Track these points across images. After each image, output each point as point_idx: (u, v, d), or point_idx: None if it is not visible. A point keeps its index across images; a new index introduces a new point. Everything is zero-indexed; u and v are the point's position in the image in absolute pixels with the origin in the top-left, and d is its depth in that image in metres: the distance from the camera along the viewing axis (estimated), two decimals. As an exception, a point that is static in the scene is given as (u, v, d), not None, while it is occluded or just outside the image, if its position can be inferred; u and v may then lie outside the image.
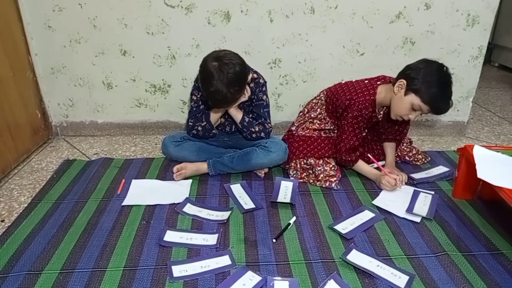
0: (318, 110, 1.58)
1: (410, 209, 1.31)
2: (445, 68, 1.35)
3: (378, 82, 1.48)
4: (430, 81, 1.31)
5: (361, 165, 1.51)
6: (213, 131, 1.53)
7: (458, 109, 1.94)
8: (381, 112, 1.52)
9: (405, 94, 1.35)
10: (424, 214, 1.28)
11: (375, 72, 1.81)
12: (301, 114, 1.64)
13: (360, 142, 1.50)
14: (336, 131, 1.59)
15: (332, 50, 1.78)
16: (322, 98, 1.59)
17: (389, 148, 1.59)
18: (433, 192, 1.42)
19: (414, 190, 1.43)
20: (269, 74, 1.75)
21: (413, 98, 1.34)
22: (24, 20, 1.68)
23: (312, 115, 1.58)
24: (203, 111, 1.52)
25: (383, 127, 1.59)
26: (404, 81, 1.35)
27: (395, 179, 1.40)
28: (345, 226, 1.22)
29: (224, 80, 1.29)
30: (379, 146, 1.63)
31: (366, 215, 1.29)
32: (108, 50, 1.76)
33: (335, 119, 1.55)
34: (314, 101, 1.61)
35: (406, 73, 1.37)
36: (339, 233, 1.19)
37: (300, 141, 1.54)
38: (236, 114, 1.49)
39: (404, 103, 1.36)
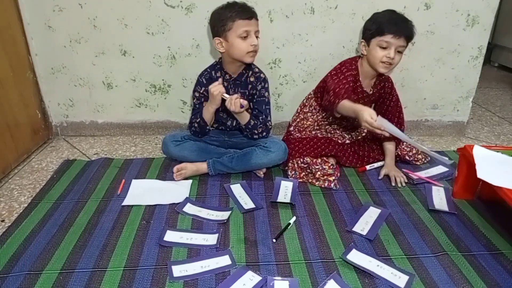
0: (309, 103, 1.65)
1: (431, 205, 1.33)
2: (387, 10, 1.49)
3: (357, 59, 1.56)
4: (376, 20, 1.45)
5: (345, 103, 1.42)
6: (207, 127, 1.52)
7: (458, 109, 1.94)
8: (371, 88, 1.57)
9: (369, 45, 1.46)
10: (446, 209, 1.31)
11: (375, 72, 1.82)
12: (296, 114, 1.68)
13: (347, 89, 1.45)
14: (335, 133, 1.62)
15: (332, 50, 1.78)
16: (312, 93, 1.66)
17: (388, 147, 1.60)
18: (443, 185, 1.44)
19: (426, 185, 1.45)
20: (269, 74, 1.75)
21: (375, 41, 1.43)
22: (24, 20, 1.68)
23: (305, 110, 1.64)
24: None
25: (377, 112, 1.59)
26: (363, 40, 1.49)
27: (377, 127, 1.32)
28: (362, 227, 1.22)
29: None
30: (379, 146, 1.63)
31: (374, 212, 1.29)
32: (108, 50, 1.76)
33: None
34: (305, 98, 1.68)
35: (362, 33, 1.52)
36: (360, 235, 1.18)
37: (296, 142, 1.55)
38: (241, 117, 1.48)
39: (374, 51, 1.44)
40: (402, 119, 1.62)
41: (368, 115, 1.30)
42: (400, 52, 1.44)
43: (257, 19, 1.43)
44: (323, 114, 1.64)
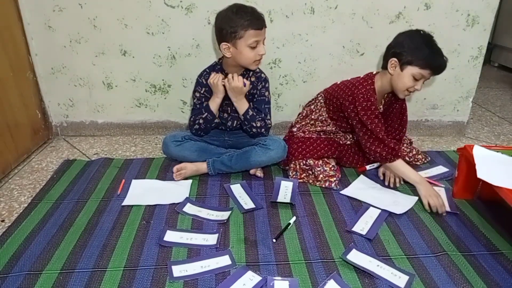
0: (318, 112, 1.57)
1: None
2: (421, 31, 1.38)
3: (374, 72, 1.49)
4: (417, 47, 1.33)
5: (400, 167, 1.41)
6: (215, 120, 1.53)
7: (458, 109, 1.94)
8: (381, 106, 1.53)
9: (402, 69, 1.37)
10: (448, 209, 1.31)
11: (375, 72, 1.82)
12: (300, 116, 1.63)
13: (387, 133, 1.47)
14: (338, 133, 1.60)
15: (332, 50, 1.78)
16: (321, 100, 1.58)
17: None
18: (443, 186, 1.44)
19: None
20: (269, 74, 1.75)
21: (411, 70, 1.35)
22: (24, 20, 1.68)
23: (313, 117, 1.58)
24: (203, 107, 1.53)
25: (387, 123, 1.57)
26: (395, 59, 1.37)
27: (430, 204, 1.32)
28: (362, 227, 1.22)
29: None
30: (352, 149, 1.60)
31: (374, 212, 1.29)
32: (108, 50, 1.76)
33: (336, 120, 1.55)
34: (313, 103, 1.61)
35: (392, 52, 1.39)
36: (360, 235, 1.18)
37: (299, 142, 1.54)
38: (240, 104, 1.49)
39: (405, 77, 1.37)
40: (405, 121, 1.59)
41: (430, 195, 1.31)
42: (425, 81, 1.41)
43: (266, 27, 1.42)
44: (333, 126, 1.57)
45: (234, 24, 1.35)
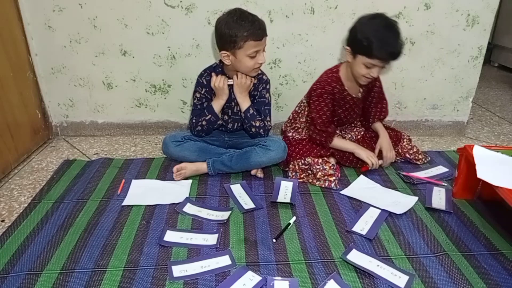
0: (304, 114, 1.64)
1: (429, 203, 1.33)
2: (379, 17, 1.37)
3: (342, 62, 1.54)
4: (365, 37, 1.34)
5: (337, 143, 1.54)
6: (218, 122, 1.54)
7: (458, 109, 1.94)
8: (360, 92, 1.57)
9: (354, 57, 1.41)
10: (444, 208, 1.31)
11: (375, 72, 1.82)
12: (288, 122, 1.70)
13: (331, 120, 1.54)
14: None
15: (332, 50, 1.78)
16: (304, 101, 1.64)
17: (379, 127, 1.63)
18: (446, 184, 1.45)
19: (427, 184, 1.45)
20: (269, 74, 1.74)
21: (361, 59, 1.38)
22: (24, 20, 1.68)
23: (302, 120, 1.64)
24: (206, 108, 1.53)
25: (363, 108, 1.64)
26: (348, 47, 1.41)
27: (372, 162, 1.48)
28: (362, 227, 1.22)
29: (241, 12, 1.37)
30: (374, 142, 1.63)
31: (374, 212, 1.29)
32: (108, 50, 1.76)
33: None
34: (298, 106, 1.67)
35: (348, 38, 1.43)
36: (360, 235, 1.18)
37: (295, 144, 1.57)
38: (244, 101, 1.50)
39: (357, 65, 1.41)
40: (385, 108, 1.65)
41: (366, 157, 1.46)
42: (383, 67, 1.43)
43: (266, 35, 1.41)
44: None
45: (233, 34, 1.34)
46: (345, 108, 1.57)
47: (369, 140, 1.65)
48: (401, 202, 1.35)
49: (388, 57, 1.37)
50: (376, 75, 1.42)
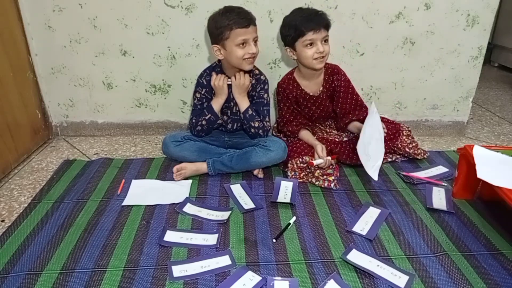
0: None
1: (430, 204, 1.33)
2: (294, 10, 1.49)
3: (292, 71, 1.62)
4: (290, 24, 1.45)
5: (304, 136, 1.59)
6: (218, 121, 1.55)
7: (458, 109, 1.94)
8: (320, 88, 1.60)
9: (296, 50, 1.49)
10: (445, 208, 1.31)
11: (375, 72, 1.82)
12: (276, 126, 1.74)
13: (295, 118, 1.60)
14: (331, 133, 1.69)
15: (332, 50, 1.77)
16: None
17: (355, 125, 1.60)
18: (446, 184, 1.45)
19: (427, 184, 1.45)
20: (269, 74, 1.75)
21: (300, 44, 1.45)
22: (24, 20, 1.68)
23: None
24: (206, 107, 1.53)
25: (336, 107, 1.63)
26: (286, 47, 1.52)
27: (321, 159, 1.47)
28: (362, 227, 1.22)
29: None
30: (350, 146, 1.58)
31: (374, 212, 1.30)
32: (108, 50, 1.76)
33: None
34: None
35: (282, 40, 1.54)
36: (360, 235, 1.18)
37: (293, 142, 1.57)
38: (242, 101, 1.51)
39: (303, 52, 1.46)
40: (360, 106, 1.63)
41: (320, 149, 1.48)
42: (326, 41, 1.47)
43: (255, 25, 1.42)
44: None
45: (219, 25, 1.38)
46: (308, 106, 1.62)
47: (343, 142, 1.60)
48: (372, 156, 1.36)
49: (316, 23, 1.42)
50: (323, 49, 1.45)
